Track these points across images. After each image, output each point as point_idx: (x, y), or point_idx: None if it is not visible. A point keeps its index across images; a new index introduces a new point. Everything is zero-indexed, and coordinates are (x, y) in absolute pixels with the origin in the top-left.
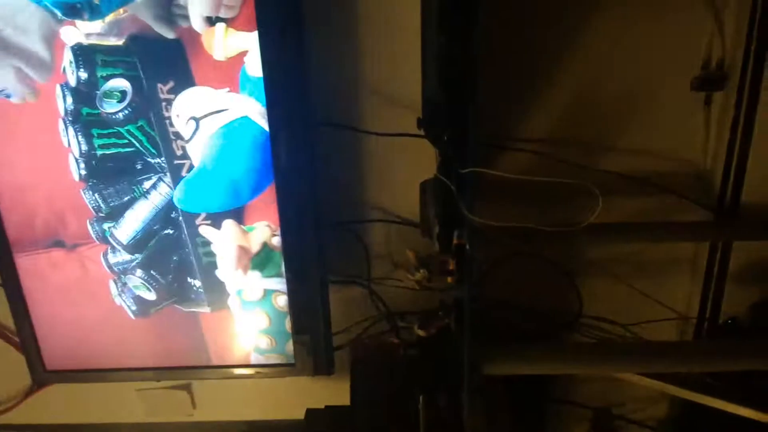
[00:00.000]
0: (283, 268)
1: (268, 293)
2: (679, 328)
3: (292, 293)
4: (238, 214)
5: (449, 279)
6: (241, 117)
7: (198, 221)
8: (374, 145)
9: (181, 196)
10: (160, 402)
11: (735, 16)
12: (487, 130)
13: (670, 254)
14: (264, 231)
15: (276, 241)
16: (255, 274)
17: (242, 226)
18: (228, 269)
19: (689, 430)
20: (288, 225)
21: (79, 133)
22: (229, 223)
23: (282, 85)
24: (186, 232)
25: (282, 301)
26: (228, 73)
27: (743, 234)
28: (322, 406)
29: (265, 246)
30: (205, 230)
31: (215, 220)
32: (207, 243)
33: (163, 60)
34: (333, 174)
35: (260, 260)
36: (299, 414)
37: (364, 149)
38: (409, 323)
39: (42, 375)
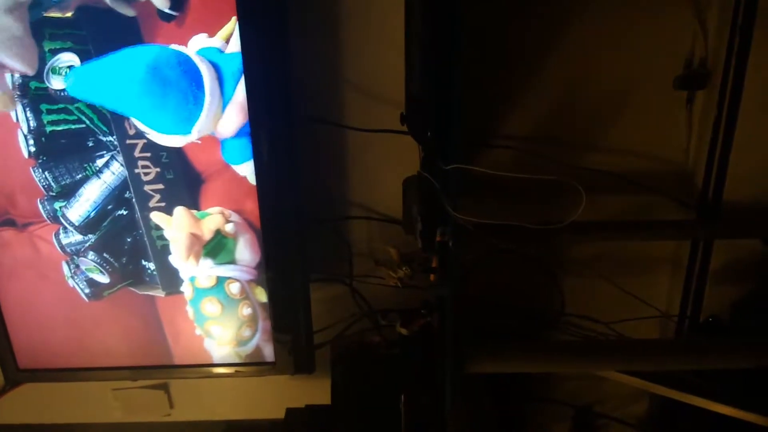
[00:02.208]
0: (236, 255)
1: (221, 280)
2: (660, 325)
3: (273, 291)
4: (191, 200)
5: (432, 276)
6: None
7: (151, 204)
8: (357, 141)
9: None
10: (137, 402)
11: (717, 16)
12: (471, 126)
13: (652, 252)
14: (217, 218)
15: (229, 228)
16: (207, 262)
17: (194, 213)
18: (180, 257)
19: (670, 428)
20: (269, 222)
21: (27, 108)
22: (180, 210)
23: (263, 81)
24: (139, 214)
25: (235, 288)
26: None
27: (724, 232)
28: (303, 405)
29: (218, 233)
30: (157, 216)
31: (168, 204)
32: (160, 226)
33: (114, 33)
34: (315, 171)
35: (213, 248)
36: (279, 413)
37: (347, 145)
38: (391, 321)
39: (15, 374)
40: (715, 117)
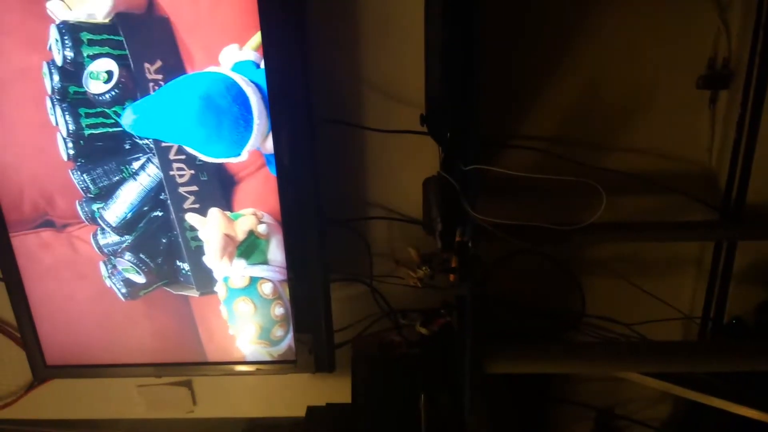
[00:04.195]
0: (268, 256)
1: (253, 281)
2: (683, 328)
3: (294, 291)
4: (225, 201)
5: (452, 277)
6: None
7: (186, 206)
8: (377, 142)
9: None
10: (161, 398)
11: (741, 15)
12: (491, 127)
13: (675, 253)
14: (250, 219)
15: (262, 228)
16: (240, 262)
17: (228, 214)
18: (214, 258)
19: (692, 430)
20: (290, 222)
21: (66, 112)
22: (214, 211)
23: (284, 82)
24: (174, 215)
25: (268, 288)
26: (217, 54)
27: (748, 233)
28: (324, 404)
29: (251, 234)
30: (191, 218)
31: (202, 206)
32: (195, 227)
33: (150, 39)
34: (335, 171)
35: (246, 248)
36: (300, 411)
37: (367, 146)
38: (411, 321)
39: (42, 370)
40: (739, 117)
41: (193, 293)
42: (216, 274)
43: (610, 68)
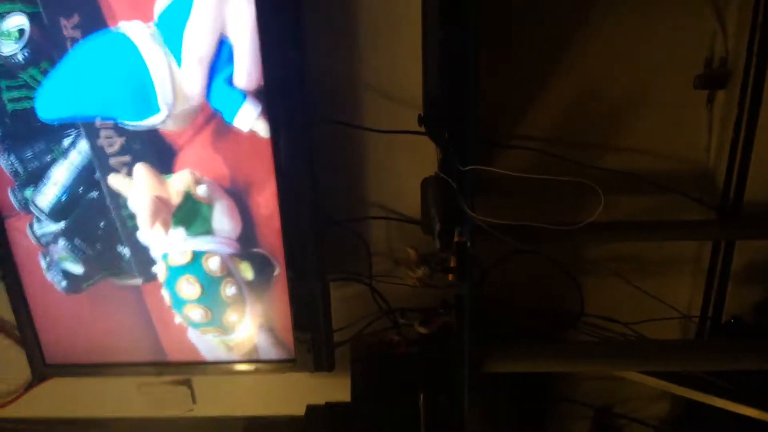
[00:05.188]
0: (213, 225)
1: (197, 255)
2: (681, 327)
3: (293, 290)
4: (157, 160)
5: (450, 276)
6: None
7: (111, 162)
8: (375, 141)
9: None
10: (161, 397)
11: (738, 14)
12: (489, 127)
13: (673, 253)
14: (185, 177)
15: (202, 190)
16: (179, 232)
17: (159, 174)
18: (145, 226)
19: (691, 429)
20: (289, 222)
21: None
22: (140, 168)
23: (281, 83)
24: (105, 191)
25: (215, 264)
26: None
27: (746, 233)
28: (323, 402)
29: (189, 197)
30: (115, 180)
31: (128, 167)
32: (123, 195)
33: None
34: (334, 171)
35: (184, 214)
36: (299, 410)
37: (365, 146)
38: (410, 320)
39: (42, 369)
40: (736, 116)
41: (137, 281)
42: (154, 252)
43: (607, 68)
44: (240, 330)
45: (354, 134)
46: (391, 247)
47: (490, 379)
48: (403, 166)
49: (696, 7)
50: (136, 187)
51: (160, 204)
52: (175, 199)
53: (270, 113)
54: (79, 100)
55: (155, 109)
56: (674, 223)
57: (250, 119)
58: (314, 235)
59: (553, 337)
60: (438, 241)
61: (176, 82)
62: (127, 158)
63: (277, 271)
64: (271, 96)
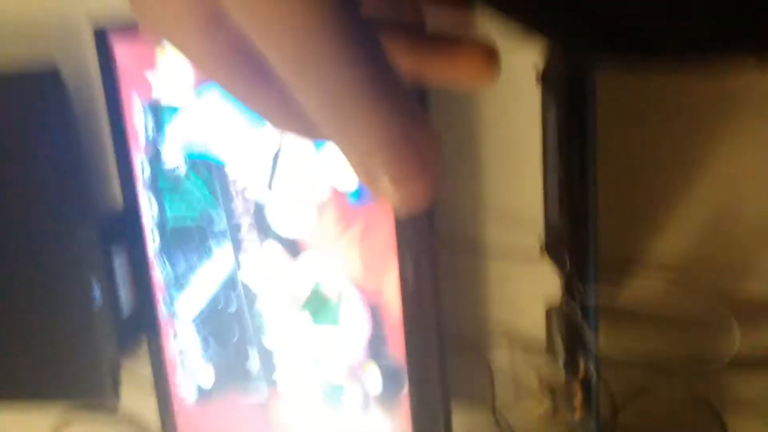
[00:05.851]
0: (340, 321)
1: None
2: None
3: (417, 418)
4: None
5: (577, 412)
6: None
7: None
8: (498, 265)
9: None
10: None
11: None
12: (615, 252)
13: None
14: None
15: (329, 285)
16: (305, 325)
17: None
18: (273, 319)
19: None
20: (413, 347)
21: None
22: (273, 245)
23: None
24: (242, 291)
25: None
26: None
27: None
28: None
29: (317, 289)
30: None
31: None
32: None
33: None
34: (457, 295)
35: (312, 306)
36: None
37: (488, 270)
38: None
39: None
40: None
41: (262, 395)
42: (279, 357)
43: (743, 191)
44: None
45: (477, 259)
46: (515, 375)
47: None
48: (529, 292)
49: None
50: (267, 270)
51: (289, 292)
52: (304, 288)
53: (399, 241)
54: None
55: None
56: None
57: None
58: (439, 361)
59: None
60: (564, 373)
61: None
62: (258, 236)
63: (405, 389)
64: (400, 223)
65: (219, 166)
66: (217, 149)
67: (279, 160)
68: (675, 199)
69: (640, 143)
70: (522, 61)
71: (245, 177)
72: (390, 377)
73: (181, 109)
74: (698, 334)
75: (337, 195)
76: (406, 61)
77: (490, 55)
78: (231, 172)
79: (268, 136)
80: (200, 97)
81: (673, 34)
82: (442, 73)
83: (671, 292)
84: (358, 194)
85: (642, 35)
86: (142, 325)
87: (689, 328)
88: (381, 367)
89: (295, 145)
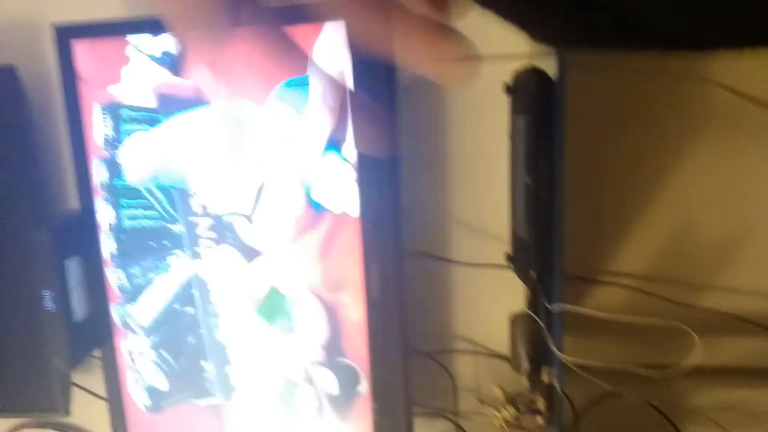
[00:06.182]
0: (293, 319)
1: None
2: None
3: (378, 425)
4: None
5: (538, 418)
6: None
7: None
8: (463, 275)
9: None
10: None
11: None
12: (578, 263)
13: None
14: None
15: (287, 285)
16: (261, 327)
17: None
18: (227, 319)
19: None
20: (376, 356)
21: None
22: (228, 250)
23: (376, 219)
24: (198, 295)
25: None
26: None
27: None
28: None
29: (274, 290)
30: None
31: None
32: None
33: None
34: (421, 304)
35: (267, 308)
36: None
37: (453, 279)
38: None
39: None
40: None
41: (217, 400)
42: (233, 355)
43: (703, 205)
44: None
45: (442, 267)
46: (477, 383)
47: None
48: (492, 301)
49: None
50: (222, 273)
51: (245, 294)
52: (259, 291)
53: (366, 247)
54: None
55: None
56: None
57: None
58: (402, 369)
59: None
60: (527, 382)
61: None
62: (215, 241)
63: (360, 386)
64: (367, 231)
65: (177, 183)
66: (174, 165)
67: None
68: (637, 213)
69: (604, 158)
70: (490, 72)
71: (203, 187)
72: (347, 380)
73: (140, 117)
74: (658, 343)
75: (299, 200)
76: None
77: (467, 55)
78: (189, 182)
79: (229, 151)
80: (162, 110)
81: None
82: (417, 56)
83: (632, 302)
84: (319, 204)
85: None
86: (95, 334)
87: (649, 338)
88: (337, 370)
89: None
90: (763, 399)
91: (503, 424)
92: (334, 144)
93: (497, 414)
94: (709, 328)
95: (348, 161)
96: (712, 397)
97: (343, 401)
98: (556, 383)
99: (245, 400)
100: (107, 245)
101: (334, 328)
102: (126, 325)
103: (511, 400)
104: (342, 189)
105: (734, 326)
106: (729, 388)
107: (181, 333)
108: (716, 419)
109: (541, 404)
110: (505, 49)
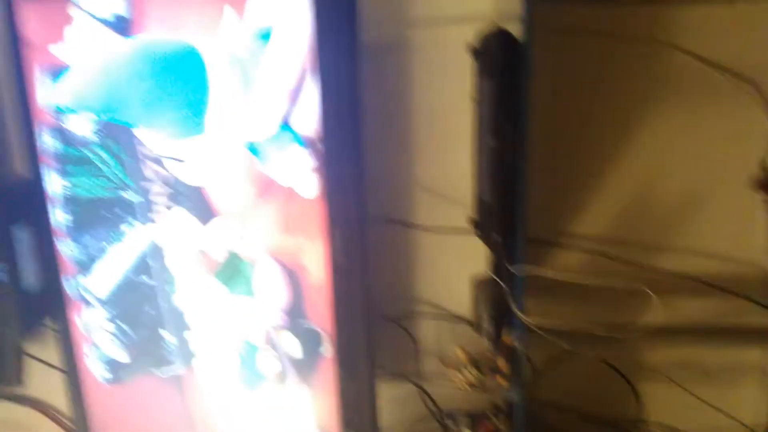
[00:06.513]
0: (255, 288)
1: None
2: None
3: (343, 389)
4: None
5: (500, 379)
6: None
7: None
8: (427, 240)
9: None
10: None
11: None
12: (540, 226)
13: (736, 360)
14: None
15: (246, 247)
16: (220, 292)
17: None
18: (184, 284)
19: None
20: (340, 320)
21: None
22: (183, 213)
23: (339, 182)
24: (151, 261)
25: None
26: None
27: None
28: None
29: (233, 254)
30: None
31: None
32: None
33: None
34: (385, 267)
35: (226, 273)
36: None
37: (417, 244)
38: (458, 424)
39: None
40: None
41: (178, 370)
42: (191, 322)
43: (662, 168)
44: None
45: (405, 232)
46: (440, 346)
47: None
48: (455, 265)
49: (753, 109)
50: (178, 237)
51: (202, 258)
52: (218, 254)
53: (330, 211)
54: (124, 99)
55: (199, 130)
56: (736, 328)
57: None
58: (365, 332)
59: None
60: (488, 343)
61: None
62: (170, 205)
63: (324, 350)
64: (331, 195)
65: (128, 132)
66: (126, 113)
67: (200, 128)
68: (598, 178)
69: (566, 123)
70: (454, 34)
71: (156, 142)
72: (310, 343)
73: (88, 70)
74: (618, 304)
75: (253, 163)
76: None
77: None
78: (140, 137)
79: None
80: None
81: None
82: None
83: (593, 264)
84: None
85: None
86: (48, 306)
87: (610, 299)
88: (300, 334)
89: (219, 108)
90: (717, 357)
91: (466, 386)
92: (292, 109)
93: (460, 376)
94: (667, 289)
95: (308, 127)
96: (668, 356)
97: (306, 365)
98: (518, 345)
99: (206, 367)
100: (57, 215)
101: (296, 292)
102: (81, 297)
103: (474, 361)
104: (299, 155)
105: (691, 287)
106: (684, 347)
107: (138, 303)
108: (672, 376)
109: (503, 365)
110: (471, 9)
